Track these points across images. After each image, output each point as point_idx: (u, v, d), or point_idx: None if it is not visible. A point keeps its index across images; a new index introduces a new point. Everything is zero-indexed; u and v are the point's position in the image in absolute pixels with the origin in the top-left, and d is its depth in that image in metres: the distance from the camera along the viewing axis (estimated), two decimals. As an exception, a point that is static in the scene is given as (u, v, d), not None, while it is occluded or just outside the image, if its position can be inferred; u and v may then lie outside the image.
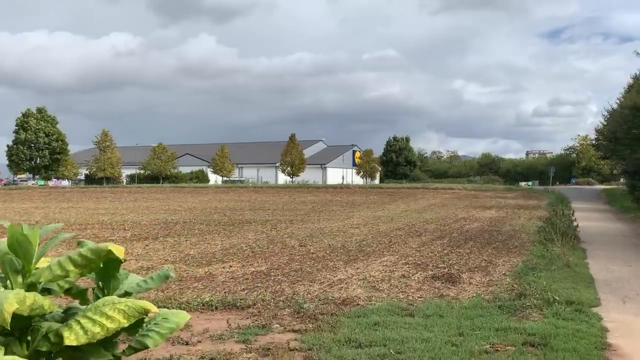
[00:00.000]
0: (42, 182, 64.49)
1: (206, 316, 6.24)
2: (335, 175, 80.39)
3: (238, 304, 6.60)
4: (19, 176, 69.32)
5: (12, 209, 27.86)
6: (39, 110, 61.45)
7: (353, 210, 25.71)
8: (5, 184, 70.85)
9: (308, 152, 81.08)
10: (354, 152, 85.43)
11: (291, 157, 67.38)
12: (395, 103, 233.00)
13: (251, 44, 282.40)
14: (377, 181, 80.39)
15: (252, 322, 5.87)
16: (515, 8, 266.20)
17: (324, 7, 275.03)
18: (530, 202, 31.77)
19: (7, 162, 62.78)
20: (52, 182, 64.78)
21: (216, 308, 6.56)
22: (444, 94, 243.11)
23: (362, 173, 74.33)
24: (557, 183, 71.13)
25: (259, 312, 6.35)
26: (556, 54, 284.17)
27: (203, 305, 6.63)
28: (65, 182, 67.79)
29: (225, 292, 7.57)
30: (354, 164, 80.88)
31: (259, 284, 8.21)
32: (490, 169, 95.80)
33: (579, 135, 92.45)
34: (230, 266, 9.98)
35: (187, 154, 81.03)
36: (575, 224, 14.36)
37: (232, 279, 8.66)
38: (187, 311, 6.66)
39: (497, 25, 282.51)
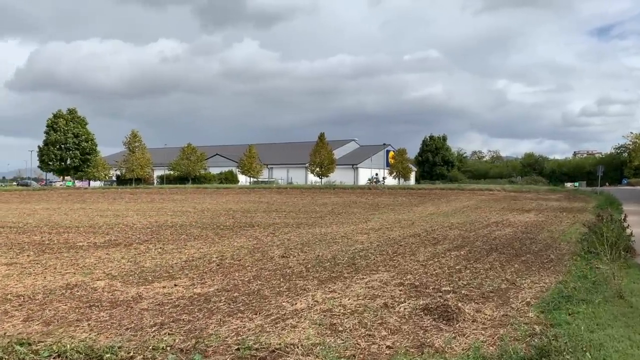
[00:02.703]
0: (70, 183, 64.58)
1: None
2: (368, 175, 77.38)
3: (105, 358, 4.43)
4: (62, 178, 70.06)
5: (21, 209, 27.12)
6: (69, 111, 61.40)
7: (374, 213, 23.62)
8: (43, 185, 72.31)
9: (340, 152, 78.50)
10: (387, 152, 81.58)
11: (320, 157, 64.72)
12: (437, 104, 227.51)
13: (293, 48, 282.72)
14: (411, 182, 77.04)
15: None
16: (560, 6, 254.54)
17: (366, 9, 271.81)
18: (575, 205, 28.61)
19: (38, 163, 63.21)
20: (78, 183, 64.84)
21: (73, 363, 4.42)
22: (487, 94, 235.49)
23: (394, 173, 70.96)
24: (607, 184, 66.10)
25: (128, 372, 4.18)
26: (605, 52, 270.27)
27: (58, 356, 4.49)
28: (96, 183, 67.87)
29: (125, 329, 5.45)
30: (387, 164, 77.35)
31: (184, 315, 6.06)
32: (534, 170, 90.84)
33: (632, 133, 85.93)
34: (175, 285, 7.89)
35: (217, 154, 79.82)
36: (628, 231, 11.53)
37: (157, 306, 6.54)
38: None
39: (542, 23, 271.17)
